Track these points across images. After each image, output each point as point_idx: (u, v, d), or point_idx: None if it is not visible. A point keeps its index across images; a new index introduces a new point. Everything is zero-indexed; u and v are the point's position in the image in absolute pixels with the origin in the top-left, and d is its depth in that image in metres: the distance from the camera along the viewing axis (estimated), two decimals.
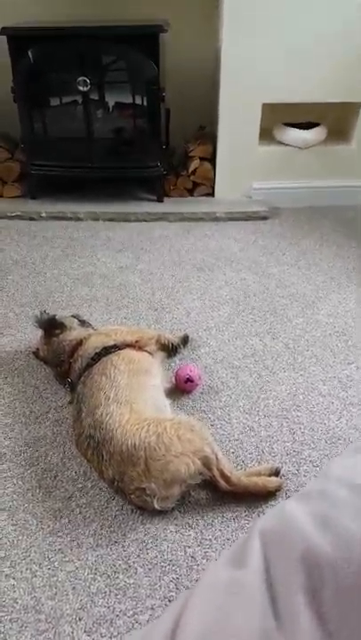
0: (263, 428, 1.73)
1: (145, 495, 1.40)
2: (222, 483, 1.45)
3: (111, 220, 3.13)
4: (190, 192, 3.32)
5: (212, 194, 3.33)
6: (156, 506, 1.40)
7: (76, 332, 1.86)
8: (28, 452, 1.64)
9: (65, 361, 1.80)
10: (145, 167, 3.15)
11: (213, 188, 3.30)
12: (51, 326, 1.88)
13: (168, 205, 3.22)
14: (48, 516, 1.44)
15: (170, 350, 1.99)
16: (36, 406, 1.81)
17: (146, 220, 3.14)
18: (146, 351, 1.82)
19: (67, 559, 1.33)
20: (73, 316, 2.00)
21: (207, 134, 3.33)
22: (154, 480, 1.38)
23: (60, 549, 1.36)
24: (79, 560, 1.33)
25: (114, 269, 2.61)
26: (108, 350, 1.71)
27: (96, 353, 1.70)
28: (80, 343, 1.79)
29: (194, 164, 3.21)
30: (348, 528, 0.62)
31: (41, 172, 3.16)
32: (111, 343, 1.74)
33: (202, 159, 3.22)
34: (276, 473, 1.54)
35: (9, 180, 3.27)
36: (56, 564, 1.32)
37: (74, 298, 2.39)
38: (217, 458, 1.45)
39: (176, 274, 2.58)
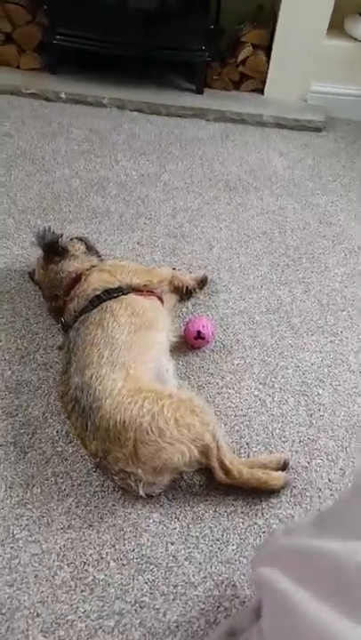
0: (277, 403, 1.50)
1: (129, 479, 1.22)
2: (221, 474, 1.26)
3: (139, 110, 2.69)
4: (236, 85, 2.82)
5: (261, 91, 2.81)
6: (141, 492, 1.23)
7: (77, 263, 1.58)
8: (7, 398, 1.45)
9: (60, 297, 1.54)
10: (186, 49, 2.62)
11: (264, 84, 2.78)
12: (51, 250, 1.59)
13: (208, 99, 2.74)
14: (19, 482, 1.28)
15: (183, 294, 1.71)
16: (24, 342, 1.59)
17: (179, 116, 2.69)
18: (155, 295, 1.55)
19: (32, 539, 1.19)
20: (80, 239, 1.70)
21: (266, 16, 2.72)
22: (141, 466, 1.19)
23: (26, 525, 1.21)
24: (46, 542, 1.18)
25: (134, 177, 2.25)
26: (109, 294, 1.44)
27: (96, 296, 1.44)
28: (79, 278, 1.52)
29: (245, 52, 2.67)
30: None
31: (64, 42, 2.65)
32: (115, 285, 1.47)
33: (255, 47, 2.67)
34: (284, 466, 1.34)
35: (28, 49, 2.77)
36: (20, 542, 1.18)
37: (83, 209, 2.06)
38: (218, 447, 1.24)
39: (204, 192, 2.21)
